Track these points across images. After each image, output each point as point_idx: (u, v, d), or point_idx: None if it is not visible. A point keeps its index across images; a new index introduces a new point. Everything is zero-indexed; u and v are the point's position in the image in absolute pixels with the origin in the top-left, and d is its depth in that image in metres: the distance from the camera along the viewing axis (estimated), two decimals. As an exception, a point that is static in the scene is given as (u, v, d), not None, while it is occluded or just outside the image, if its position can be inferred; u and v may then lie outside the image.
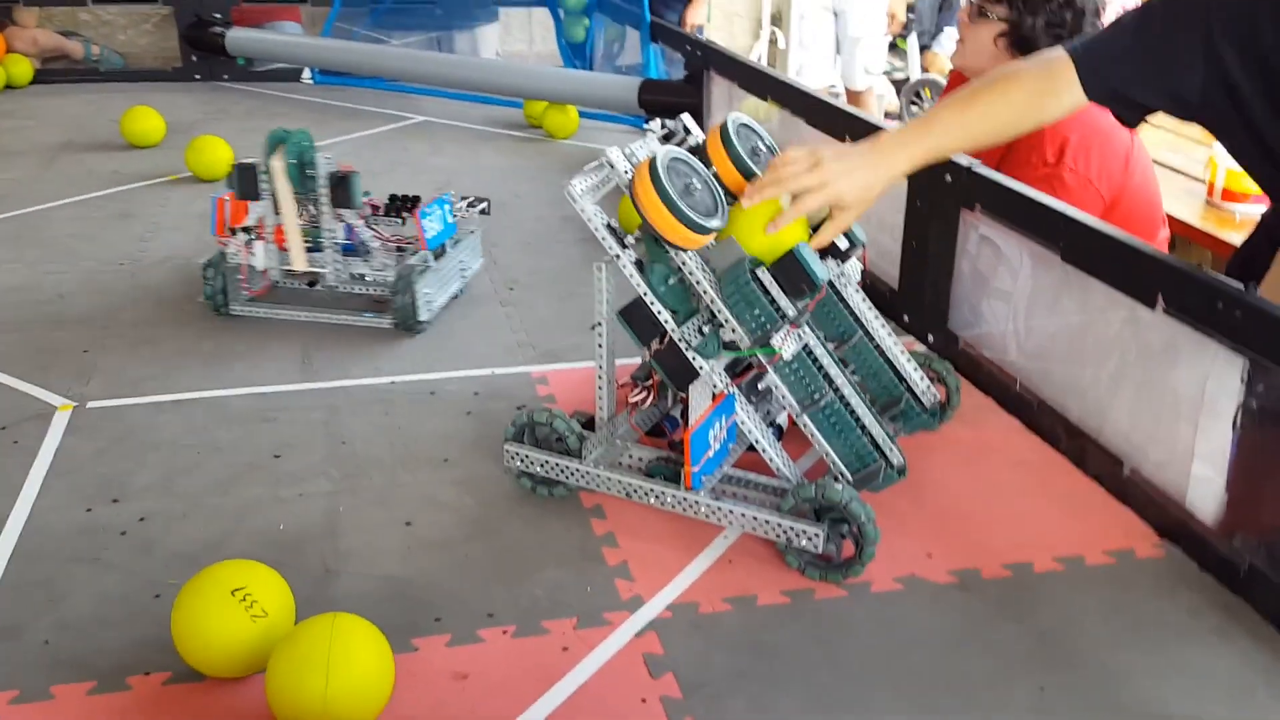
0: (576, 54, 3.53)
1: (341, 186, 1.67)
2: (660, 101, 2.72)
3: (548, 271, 1.97)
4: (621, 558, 1.10)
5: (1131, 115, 1.28)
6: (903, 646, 0.99)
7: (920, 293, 1.62)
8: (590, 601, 1.04)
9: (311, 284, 1.73)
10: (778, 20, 4.80)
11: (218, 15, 3.48)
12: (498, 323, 1.74)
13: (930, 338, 1.61)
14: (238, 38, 3.41)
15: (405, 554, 1.12)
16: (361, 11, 3.62)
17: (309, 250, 1.68)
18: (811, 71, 4.61)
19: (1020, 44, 1.90)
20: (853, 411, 1.15)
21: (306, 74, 3.49)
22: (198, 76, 3.50)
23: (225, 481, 1.25)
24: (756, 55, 4.78)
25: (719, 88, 2.59)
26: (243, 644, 0.89)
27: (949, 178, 1.52)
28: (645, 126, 3.14)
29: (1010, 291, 1.44)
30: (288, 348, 1.61)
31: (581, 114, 2.95)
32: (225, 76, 3.51)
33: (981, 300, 1.51)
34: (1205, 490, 1.11)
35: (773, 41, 4.81)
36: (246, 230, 1.68)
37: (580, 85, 2.91)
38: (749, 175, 1.16)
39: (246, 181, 1.64)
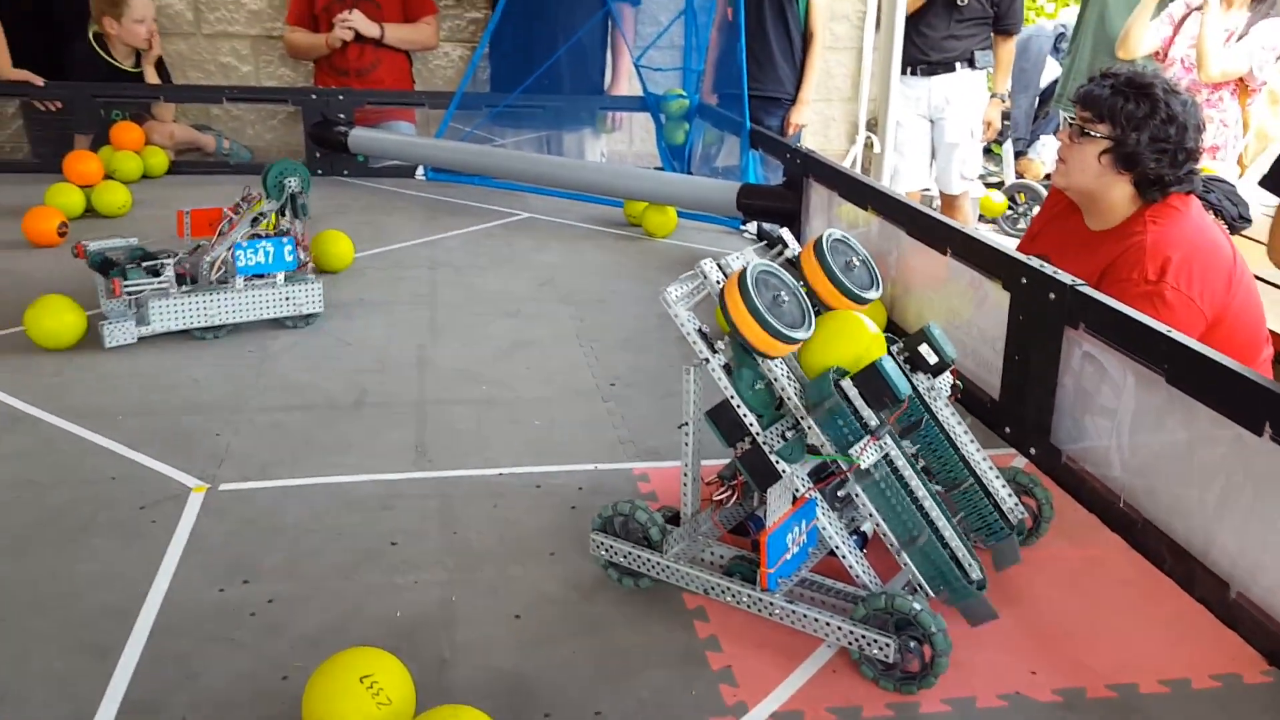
0: (675, 156, 3.66)
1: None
2: (758, 206, 2.80)
3: (647, 369, 2.03)
4: (725, 662, 1.13)
5: None
6: (1006, 767, 0.99)
7: (1022, 406, 1.64)
8: (694, 706, 1.06)
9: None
10: (873, 125, 4.89)
11: (341, 115, 3.69)
12: (600, 418, 1.80)
13: (1032, 451, 1.62)
14: (359, 136, 3.61)
15: (516, 647, 1.16)
16: (475, 113, 3.80)
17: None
18: (906, 176, 4.68)
19: (1125, 161, 1.93)
20: (932, 523, 1.17)
21: (420, 171, 3.67)
22: (319, 171, 3.70)
23: (346, 567, 1.32)
24: (852, 159, 4.87)
25: (817, 194, 2.66)
26: (368, 730, 0.94)
27: (1053, 295, 1.54)
28: (741, 228, 3.23)
29: (1114, 409, 1.45)
30: (403, 436, 1.69)
31: (680, 214, 3.05)
32: (345, 172, 3.71)
33: (1085, 416, 1.52)
34: (1318, 621, 1.10)
35: (868, 145, 4.89)
36: None
37: (681, 188, 3.01)
38: (841, 289, 1.22)
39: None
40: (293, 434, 1.69)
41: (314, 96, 3.76)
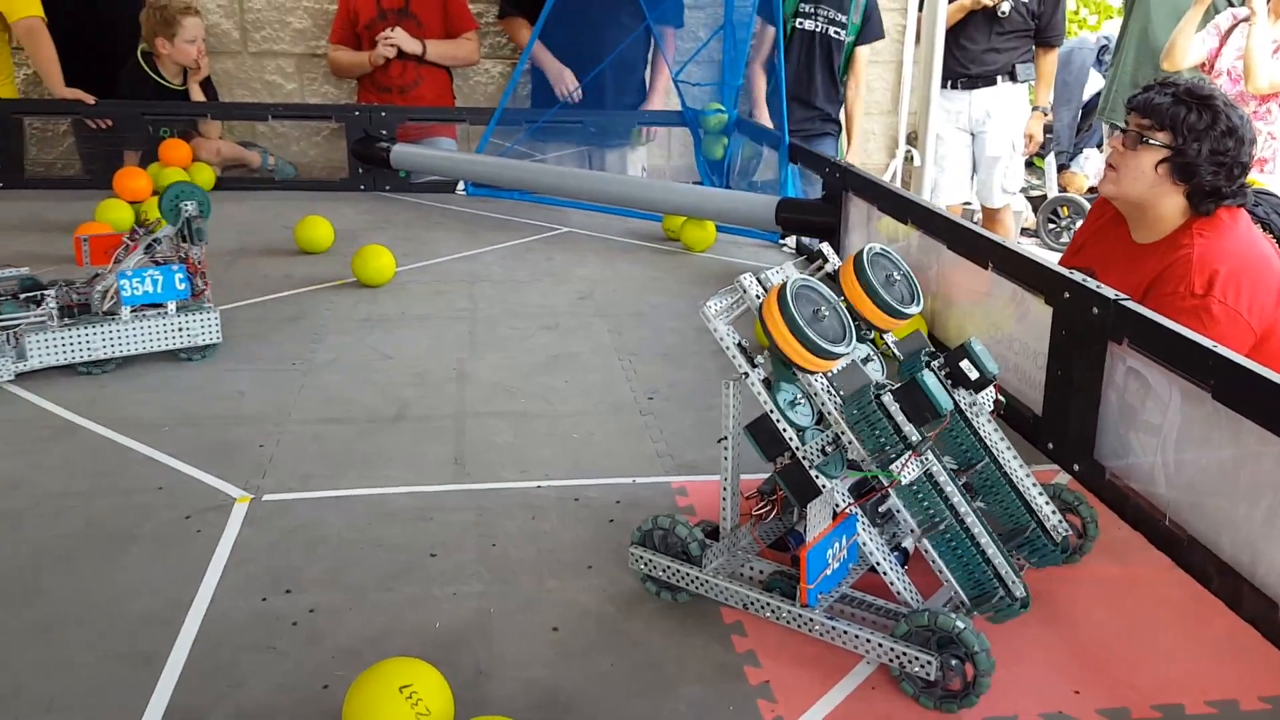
0: (714, 170, 3.66)
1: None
2: (797, 220, 2.79)
3: (685, 383, 2.03)
4: (763, 678, 1.13)
5: None
6: (1049, 787, 0.98)
7: (1065, 421, 1.62)
8: (732, 720, 1.06)
9: None
10: (913, 139, 4.87)
11: (384, 131, 3.74)
12: (638, 432, 1.80)
13: (1075, 467, 1.60)
14: (401, 152, 3.66)
15: (553, 660, 1.16)
16: (515, 129, 3.84)
17: None
18: (946, 190, 4.65)
19: (1182, 172, 1.90)
20: (974, 539, 1.16)
21: (461, 186, 3.71)
22: (362, 187, 3.75)
23: (386, 578, 1.33)
24: (891, 173, 4.85)
25: (856, 208, 2.65)
26: (407, 740, 0.94)
27: (1096, 310, 1.53)
28: (780, 242, 3.22)
29: (1159, 424, 1.43)
30: (442, 449, 1.70)
31: (719, 228, 3.05)
32: (387, 187, 3.75)
33: (1129, 431, 1.50)
34: (1372, 643, 1.08)
35: (908, 159, 4.87)
36: None
37: (720, 202, 3.02)
38: (881, 304, 1.21)
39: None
40: (334, 446, 1.71)
41: (357, 113, 3.81)
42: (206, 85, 4.10)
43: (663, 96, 4.29)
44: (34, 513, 1.47)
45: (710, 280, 2.76)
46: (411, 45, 4.17)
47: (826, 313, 1.15)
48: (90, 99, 3.74)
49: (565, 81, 4.04)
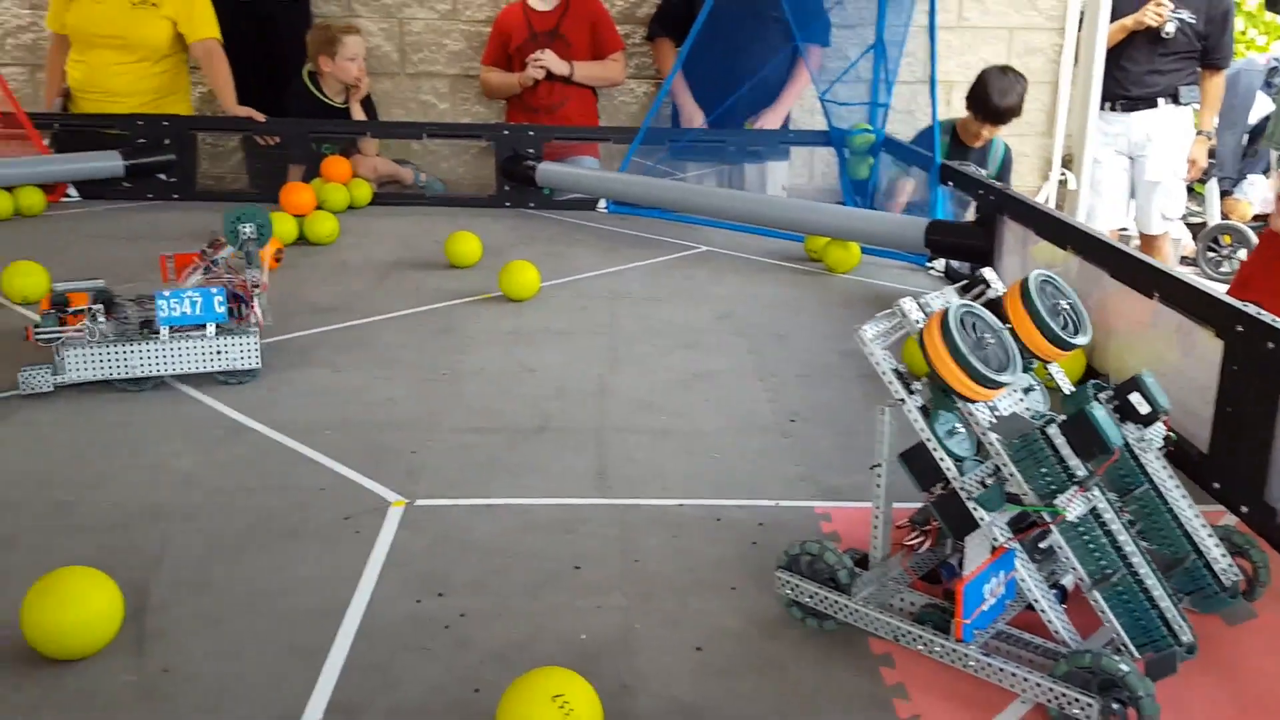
0: (858, 190, 3.62)
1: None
2: (948, 243, 2.74)
3: (827, 406, 2.01)
4: (913, 711, 1.10)
5: None
6: None
7: (1234, 460, 1.54)
8: (879, 752, 1.04)
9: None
10: (1068, 162, 4.71)
11: (530, 150, 3.83)
12: (780, 454, 1.79)
13: (1244, 509, 1.52)
14: (546, 170, 3.74)
15: (696, 680, 1.16)
16: (657, 148, 3.88)
17: None
18: (1103, 216, 4.49)
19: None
20: (1142, 584, 1.11)
21: (602, 204, 3.76)
22: (507, 203, 3.85)
23: (532, 586, 1.35)
24: (1044, 196, 4.70)
25: (1011, 232, 2.57)
26: (558, 748, 0.96)
27: (1271, 345, 1.45)
28: (928, 265, 3.16)
29: (1343, 469, 1.35)
30: (584, 462, 1.73)
31: (863, 249, 3.01)
32: (531, 204, 3.84)
33: (1307, 475, 1.41)
34: None
35: (1063, 183, 4.71)
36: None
37: (866, 223, 2.98)
38: (1048, 334, 1.17)
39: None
40: (481, 455, 1.76)
41: (506, 132, 3.92)
42: (367, 104, 4.29)
43: (786, 110, 4.25)
44: (207, 507, 1.56)
45: (854, 302, 2.72)
46: (560, 67, 4.27)
47: (991, 340, 1.13)
48: (260, 117, 3.95)
49: (695, 123, 4.08)
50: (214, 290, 1.97)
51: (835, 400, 2.04)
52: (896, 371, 1.16)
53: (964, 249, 2.73)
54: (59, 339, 1.93)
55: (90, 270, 2.26)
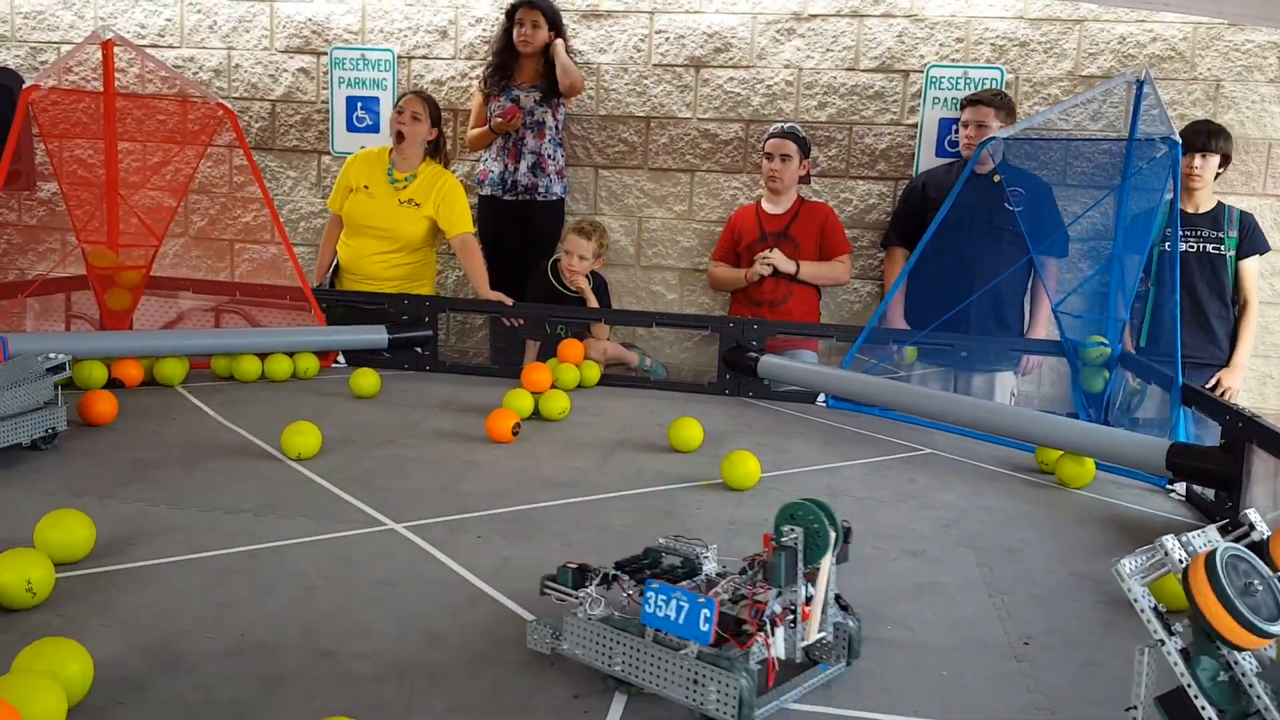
0: (1092, 404, 3.51)
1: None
2: (1192, 467, 2.60)
3: (1064, 631, 1.91)
4: None
5: None
6: None
7: None
8: None
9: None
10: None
11: (754, 342, 3.95)
12: (1013, 678, 1.71)
13: None
14: (769, 363, 3.84)
15: None
16: (879, 347, 3.91)
17: None
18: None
19: None
20: None
21: (821, 398, 3.80)
22: (726, 391, 3.95)
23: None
24: (1295, 420, 4.40)
25: (1261, 461, 2.43)
26: None
27: None
28: (1168, 488, 2.99)
29: None
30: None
31: (1099, 465, 2.90)
32: (750, 394, 3.93)
33: None
34: None
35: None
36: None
37: (1102, 439, 2.88)
38: None
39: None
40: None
41: (730, 324, 4.06)
42: (601, 291, 4.56)
43: (1043, 327, 4.23)
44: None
45: (1090, 521, 2.61)
46: (786, 265, 4.43)
47: (1259, 586, 1.08)
48: (509, 301, 4.27)
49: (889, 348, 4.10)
50: (704, 602, 1.43)
51: (1073, 626, 1.94)
52: (1157, 611, 1.12)
53: (1210, 475, 2.59)
54: (565, 600, 1.62)
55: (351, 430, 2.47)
